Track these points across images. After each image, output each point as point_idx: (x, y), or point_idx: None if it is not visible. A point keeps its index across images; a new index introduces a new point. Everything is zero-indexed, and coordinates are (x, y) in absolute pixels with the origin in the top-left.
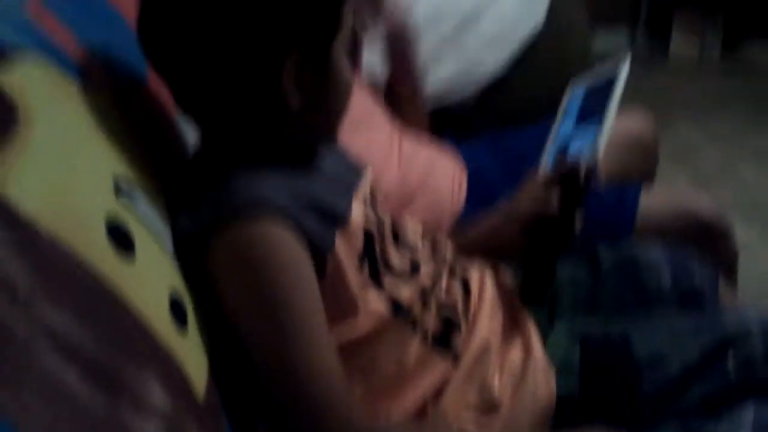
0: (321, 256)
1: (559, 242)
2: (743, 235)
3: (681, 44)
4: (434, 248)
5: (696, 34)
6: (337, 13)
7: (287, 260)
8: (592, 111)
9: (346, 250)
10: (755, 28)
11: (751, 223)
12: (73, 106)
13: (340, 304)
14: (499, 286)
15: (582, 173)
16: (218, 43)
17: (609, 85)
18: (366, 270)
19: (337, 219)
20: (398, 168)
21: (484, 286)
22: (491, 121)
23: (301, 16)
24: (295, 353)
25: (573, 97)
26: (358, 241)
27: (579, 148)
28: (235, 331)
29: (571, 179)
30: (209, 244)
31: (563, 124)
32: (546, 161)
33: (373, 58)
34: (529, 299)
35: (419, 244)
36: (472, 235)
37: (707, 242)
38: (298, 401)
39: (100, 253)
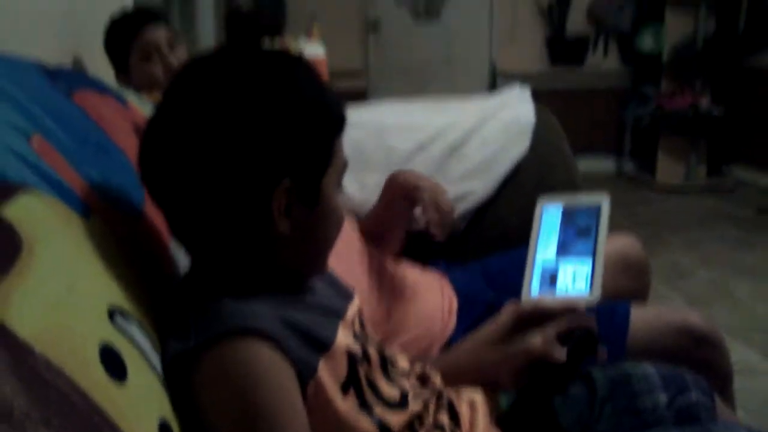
0: (304, 379)
1: (562, 383)
2: (743, 355)
3: (667, 169)
4: (423, 380)
5: (681, 159)
6: (329, 148)
7: (268, 374)
8: (572, 240)
9: (330, 376)
10: (738, 151)
11: (750, 343)
12: (73, 236)
13: (327, 428)
14: (490, 414)
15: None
16: (211, 175)
17: (589, 218)
18: (353, 396)
19: (321, 345)
20: (383, 296)
21: (476, 417)
22: (481, 245)
23: (292, 149)
24: None
25: (547, 217)
26: (343, 367)
27: (569, 283)
28: None
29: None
30: (194, 367)
31: (541, 247)
32: (529, 290)
33: (351, 186)
34: (522, 426)
35: (408, 377)
36: (455, 361)
37: (700, 356)
38: None
39: (93, 378)
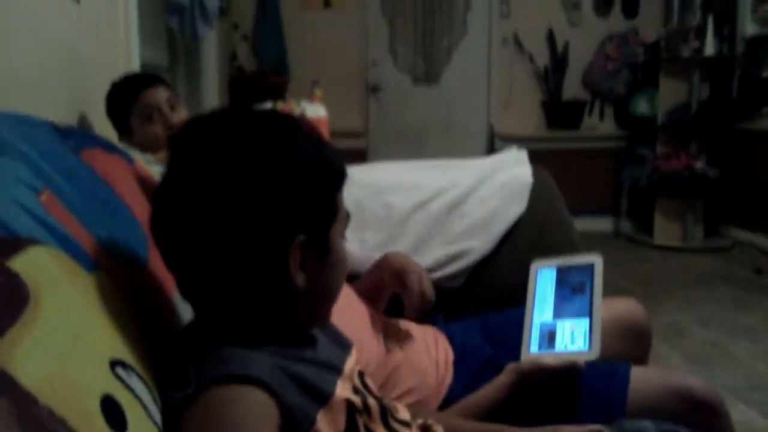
0: (302, 430)
1: None
2: (743, 416)
3: (664, 230)
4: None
5: (678, 219)
6: (334, 201)
7: (249, 417)
8: (568, 299)
9: (329, 427)
10: (734, 212)
11: (749, 404)
12: (79, 289)
13: None
14: None
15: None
16: (226, 237)
17: (583, 276)
18: None
19: (320, 396)
20: (380, 345)
21: None
22: (478, 301)
23: (303, 206)
24: None
25: (541, 279)
26: (342, 418)
27: (568, 341)
28: None
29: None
30: (187, 411)
31: (538, 307)
32: (528, 349)
33: (352, 243)
34: None
35: (410, 428)
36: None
37: (701, 421)
38: None
39: (94, 428)
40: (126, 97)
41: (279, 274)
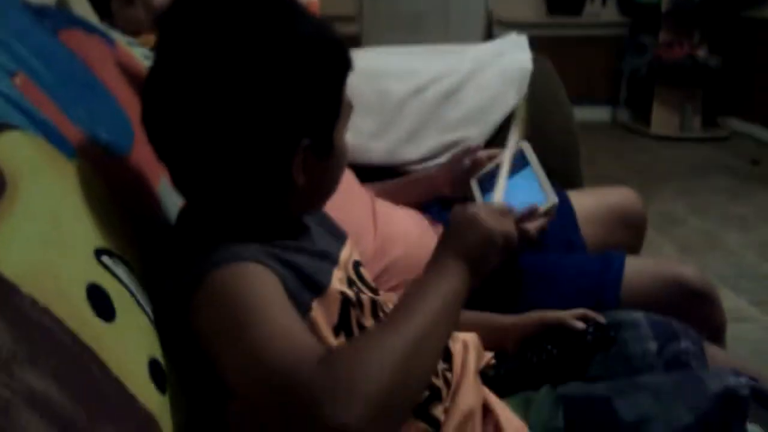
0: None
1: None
2: (732, 304)
3: (662, 119)
4: None
5: (676, 109)
6: (340, 96)
7: (261, 280)
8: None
9: (323, 317)
10: (734, 103)
11: (739, 292)
12: (59, 176)
13: None
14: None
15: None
16: (228, 132)
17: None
18: (344, 340)
19: (316, 287)
20: (375, 231)
21: (468, 356)
22: None
23: (310, 100)
24: (271, 350)
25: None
26: (335, 310)
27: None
28: (218, 375)
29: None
30: (191, 300)
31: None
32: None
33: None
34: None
35: None
36: None
37: (694, 309)
38: (288, 393)
39: (80, 317)
40: None
41: (279, 173)
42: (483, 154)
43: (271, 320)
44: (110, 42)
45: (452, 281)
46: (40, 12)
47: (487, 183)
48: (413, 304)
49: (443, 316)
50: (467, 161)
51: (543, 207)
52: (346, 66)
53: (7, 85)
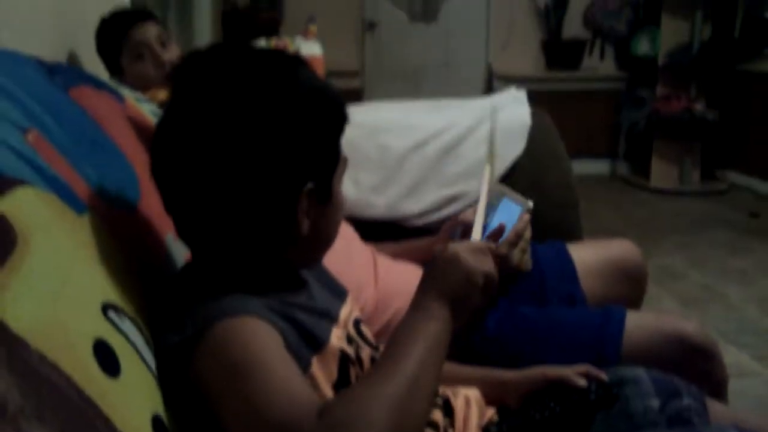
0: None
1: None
2: (734, 359)
3: (661, 172)
4: None
5: (675, 162)
6: (337, 148)
7: (259, 335)
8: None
9: (322, 374)
10: (732, 156)
11: (741, 347)
12: (68, 231)
13: None
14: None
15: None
16: (235, 181)
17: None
18: None
19: (316, 343)
20: (376, 284)
21: (470, 412)
22: None
23: (312, 150)
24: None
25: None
26: (335, 367)
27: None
28: (219, 428)
29: None
30: (193, 354)
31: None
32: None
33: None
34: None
35: None
36: None
37: (695, 365)
38: None
39: (87, 372)
40: (115, 36)
41: (285, 220)
42: (468, 212)
43: (271, 373)
44: (119, 98)
45: (436, 323)
46: (52, 70)
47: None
48: (401, 349)
49: (431, 358)
50: (458, 229)
51: (521, 215)
52: (342, 118)
53: (20, 142)
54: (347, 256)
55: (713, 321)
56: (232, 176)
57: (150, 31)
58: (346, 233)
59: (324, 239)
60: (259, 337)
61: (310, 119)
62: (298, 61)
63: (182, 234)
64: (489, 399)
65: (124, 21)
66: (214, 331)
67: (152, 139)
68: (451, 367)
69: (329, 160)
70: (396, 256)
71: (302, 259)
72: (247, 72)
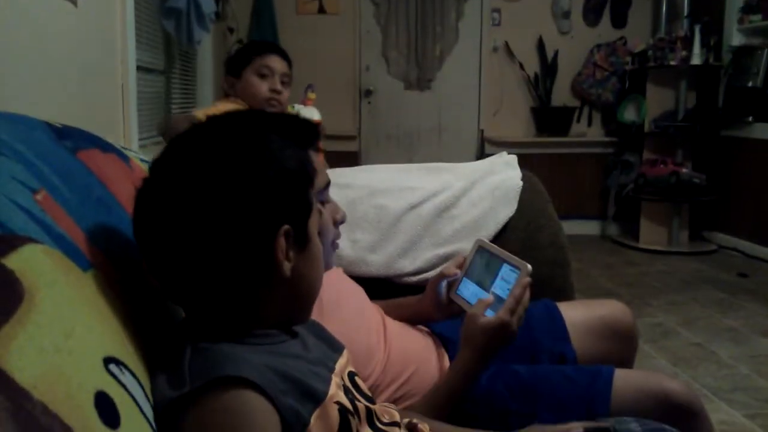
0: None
1: None
2: (727, 417)
3: (650, 234)
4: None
5: (664, 224)
6: (309, 195)
7: (252, 424)
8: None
9: (322, 429)
10: (719, 217)
11: (732, 404)
12: (73, 287)
13: None
14: None
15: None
16: (214, 235)
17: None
18: None
19: (314, 397)
20: (384, 352)
21: None
22: None
23: (285, 199)
24: None
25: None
26: (335, 420)
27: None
28: None
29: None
30: (184, 413)
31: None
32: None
33: (344, 243)
34: None
35: (399, 427)
36: None
37: (681, 423)
38: None
39: (87, 424)
40: (253, 51)
41: (266, 264)
42: (450, 267)
43: None
44: (125, 159)
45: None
46: (62, 132)
47: (466, 288)
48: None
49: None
50: (443, 283)
51: (522, 279)
52: (308, 170)
53: (30, 201)
54: (357, 321)
55: (705, 379)
56: (210, 227)
57: (281, 65)
58: (358, 298)
59: (307, 284)
60: (255, 425)
61: (279, 171)
62: (267, 119)
63: (169, 294)
64: None
65: (267, 46)
66: (211, 402)
67: (134, 203)
68: (444, 428)
69: (301, 207)
70: (387, 313)
71: (291, 310)
72: (220, 133)
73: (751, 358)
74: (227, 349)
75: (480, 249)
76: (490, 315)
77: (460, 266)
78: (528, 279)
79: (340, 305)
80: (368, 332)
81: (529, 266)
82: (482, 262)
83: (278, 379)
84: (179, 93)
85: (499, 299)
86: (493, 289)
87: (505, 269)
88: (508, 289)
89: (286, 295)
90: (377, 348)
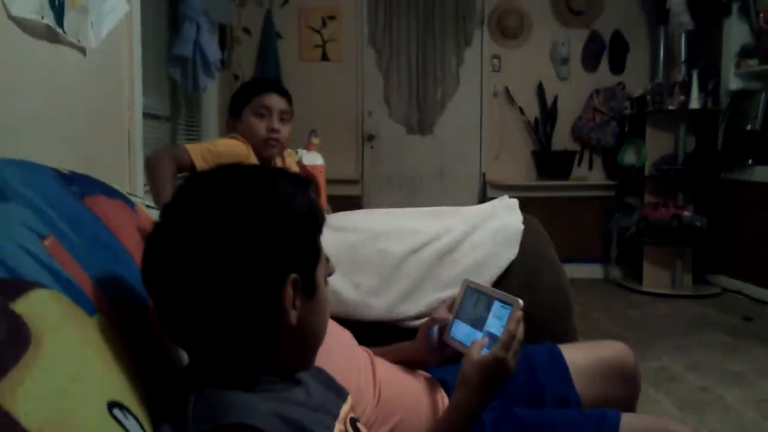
0: None
1: None
2: None
3: (653, 277)
4: None
5: (666, 267)
6: (317, 243)
7: None
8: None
9: None
10: (722, 260)
11: None
12: (79, 332)
13: None
14: None
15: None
16: (222, 282)
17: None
18: None
19: None
20: (374, 394)
21: None
22: None
23: (292, 248)
24: None
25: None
26: None
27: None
28: None
29: None
30: None
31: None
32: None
33: (346, 287)
34: None
35: None
36: None
37: None
38: None
39: None
40: (251, 90)
41: (273, 313)
42: (440, 311)
43: None
44: (131, 205)
45: (473, 420)
46: (69, 179)
47: (459, 330)
48: None
49: None
50: (434, 327)
51: (515, 313)
52: (316, 220)
53: (38, 247)
54: (347, 360)
55: (712, 424)
56: (218, 275)
57: (278, 103)
58: (347, 343)
59: (313, 332)
60: None
61: (287, 221)
62: (276, 173)
63: (176, 339)
64: None
65: (264, 84)
66: None
67: (144, 248)
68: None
69: (309, 255)
70: (383, 357)
71: (295, 357)
72: (230, 180)
73: (758, 403)
74: (232, 396)
75: (469, 289)
76: (485, 353)
77: (450, 308)
78: (521, 313)
79: (329, 347)
80: (357, 373)
81: (521, 301)
82: (472, 302)
83: (283, 425)
84: (184, 139)
85: (493, 337)
86: (486, 328)
87: (497, 306)
88: (501, 326)
89: (291, 343)
90: (366, 390)
